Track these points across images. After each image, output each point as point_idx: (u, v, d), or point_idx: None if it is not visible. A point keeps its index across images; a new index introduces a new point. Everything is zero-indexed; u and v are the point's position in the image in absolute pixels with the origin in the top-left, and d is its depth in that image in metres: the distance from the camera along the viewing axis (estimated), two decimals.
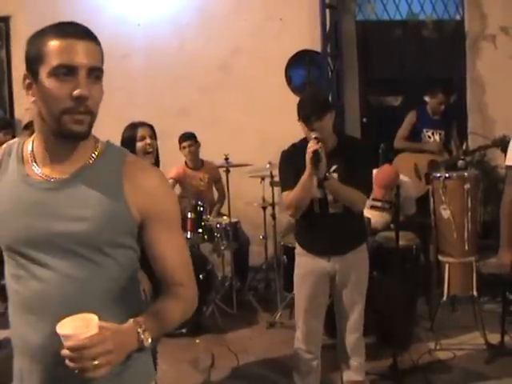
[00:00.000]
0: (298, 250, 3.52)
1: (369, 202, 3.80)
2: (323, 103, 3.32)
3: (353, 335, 3.52)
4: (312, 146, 3.13)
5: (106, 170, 1.62)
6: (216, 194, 6.22)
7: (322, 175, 3.19)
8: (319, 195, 3.33)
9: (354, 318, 3.49)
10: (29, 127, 5.99)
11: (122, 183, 1.59)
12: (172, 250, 1.68)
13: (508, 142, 3.56)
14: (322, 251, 3.38)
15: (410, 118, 5.99)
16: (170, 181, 5.89)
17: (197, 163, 6.01)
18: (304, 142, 3.37)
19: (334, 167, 3.32)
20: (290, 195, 3.28)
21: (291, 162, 3.36)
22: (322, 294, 3.45)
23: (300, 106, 3.29)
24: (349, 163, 3.28)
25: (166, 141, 5.44)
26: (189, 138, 5.87)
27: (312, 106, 3.25)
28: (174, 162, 5.95)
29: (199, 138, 5.95)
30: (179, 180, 5.95)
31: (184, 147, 5.89)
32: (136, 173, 1.62)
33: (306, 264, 3.45)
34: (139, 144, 3.39)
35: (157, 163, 3.52)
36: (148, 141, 3.41)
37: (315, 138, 3.17)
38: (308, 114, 3.22)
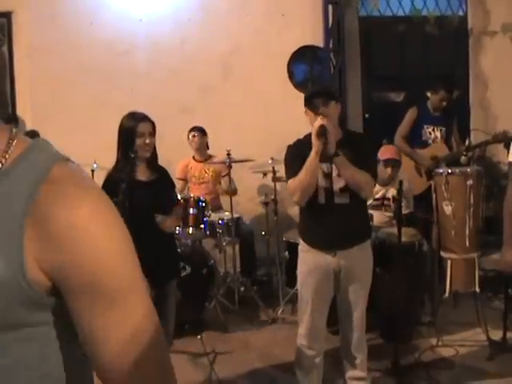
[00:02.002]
0: (302, 246, 3.49)
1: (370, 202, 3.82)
2: (330, 91, 3.48)
3: (356, 332, 3.52)
4: (318, 122, 3.18)
5: (11, 191, 0.94)
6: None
7: (332, 151, 3.19)
8: (324, 185, 3.32)
9: (358, 315, 3.49)
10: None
11: (24, 221, 0.92)
12: (111, 334, 0.96)
13: (510, 138, 3.55)
14: (327, 245, 3.35)
15: (411, 115, 5.97)
16: (179, 182, 5.94)
17: (202, 156, 6.11)
18: (309, 137, 3.38)
19: None
20: (295, 180, 3.27)
21: (298, 153, 3.36)
22: (326, 290, 3.44)
23: (308, 93, 3.41)
24: (355, 154, 3.29)
25: (168, 137, 5.46)
26: (195, 130, 6.03)
27: (319, 91, 3.41)
28: (175, 158, 5.97)
29: None
30: (185, 175, 6.10)
31: (188, 138, 6.05)
32: (53, 201, 0.93)
33: (310, 260, 3.42)
34: (138, 141, 3.36)
35: (154, 160, 3.52)
36: (147, 140, 3.38)
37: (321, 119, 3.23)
38: (314, 97, 3.31)
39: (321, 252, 3.37)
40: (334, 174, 3.32)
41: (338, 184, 3.33)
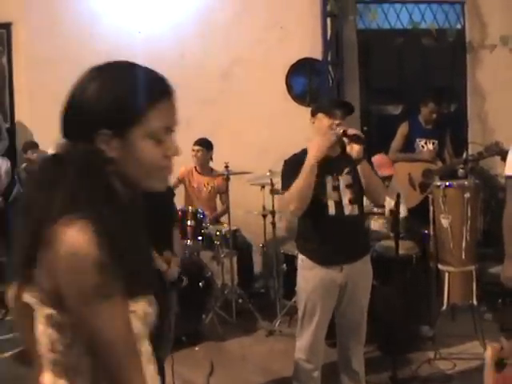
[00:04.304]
0: (305, 262, 3.42)
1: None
2: (351, 106, 3.46)
3: (355, 345, 3.51)
4: (352, 130, 3.22)
5: None
6: (219, 205, 6.21)
7: (361, 155, 3.22)
8: (334, 197, 3.33)
9: (358, 329, 3.48)
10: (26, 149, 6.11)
11: None
12: None
13: (503, 151, 3.56)
14: (334, 259, 3.33)
15: (402, 129, 6.06)
16: (174, 180, 5.91)
17: (204, 169, 6.04)
18: (305, 152, 3.39)
19: (346, 170, 3.34)
20: (291, 188, 3.25)
21: (294, 168, 3.34)
22: (330, 306, 3.42)
23: (327, 100, 3.42)
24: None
25: None
26: (198, 144, 5.92)
27: (343, 102, 3.48)
28: (175, 170, 5.95)
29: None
30: (183, 180, 6.05)
31: (193, 150, 5.91)
32: None
33: (314, 278, 3.36)
34: None
35: None
36: None
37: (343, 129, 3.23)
38: (336, 106, 3.34)
39: (326, 268, 3.34)
40: (342, 186, 3.33)
41: (346, 196, 3.35)
